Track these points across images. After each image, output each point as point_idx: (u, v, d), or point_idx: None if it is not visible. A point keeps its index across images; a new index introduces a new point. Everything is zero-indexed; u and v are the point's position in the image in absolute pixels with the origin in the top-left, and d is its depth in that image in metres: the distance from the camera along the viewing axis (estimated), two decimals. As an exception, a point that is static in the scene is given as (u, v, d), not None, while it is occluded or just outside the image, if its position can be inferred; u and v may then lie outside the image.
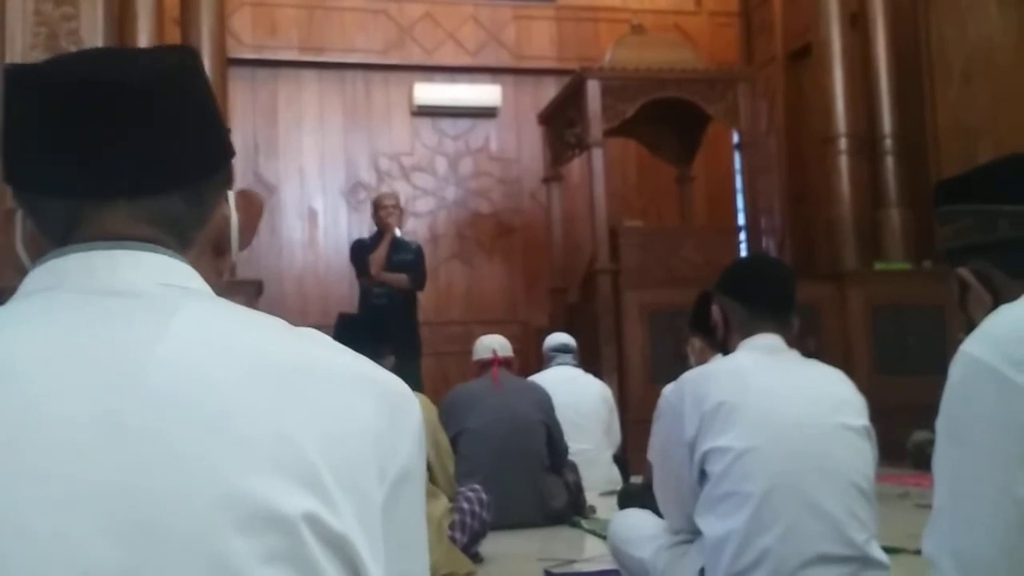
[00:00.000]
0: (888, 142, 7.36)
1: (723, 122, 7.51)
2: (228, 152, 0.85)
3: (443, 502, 3.37)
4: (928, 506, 1.25)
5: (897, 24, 7.44)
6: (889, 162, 7.37)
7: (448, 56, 8.88)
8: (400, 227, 6.51)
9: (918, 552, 1.29)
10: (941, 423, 1.22)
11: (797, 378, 2.15)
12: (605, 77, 7.12)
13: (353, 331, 3.35)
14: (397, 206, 6.49)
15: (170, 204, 0.79)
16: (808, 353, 2.29)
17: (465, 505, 3.54)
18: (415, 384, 4.17)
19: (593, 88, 7.07)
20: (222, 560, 0.63)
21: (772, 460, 2.02)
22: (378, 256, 6.21)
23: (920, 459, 5.40)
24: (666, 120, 7.88)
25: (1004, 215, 1.35)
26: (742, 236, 7.78)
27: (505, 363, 4.69)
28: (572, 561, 3.49)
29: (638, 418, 5.67)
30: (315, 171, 8.60)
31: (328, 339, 0.77)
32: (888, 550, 2.19)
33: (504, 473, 4.17)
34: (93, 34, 5.69)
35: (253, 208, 0.89)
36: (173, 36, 6.67)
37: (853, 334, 6.90)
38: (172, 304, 0.73)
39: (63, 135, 0.75)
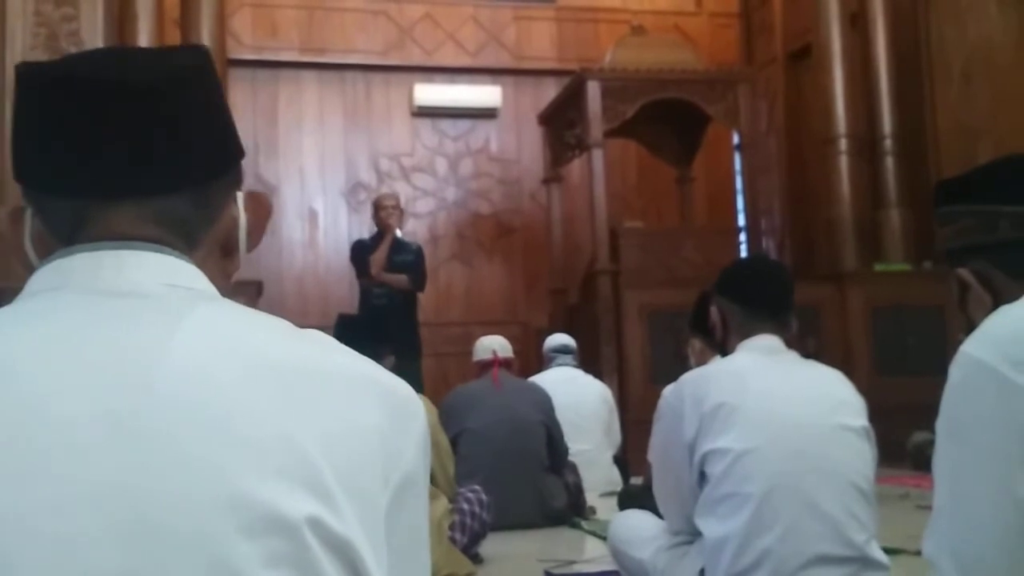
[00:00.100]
0: (888, 142, 7.36)
1: (723, 123, 7.51)
2: (238, 153, 0.84)
3: (443, 503, 3.37)
4: (928, 507, 1.25)
5: (897, 24, 7.44)
6: (889, 163, 7.36)
7: (448, 57, 8.88)
8: (400, 228, 6.50)
9: (918, 553, 1.29)
10: (941, 424, 1.22)
11: (796, 379, 2.15)
12: (605, 78, 7.12)
13: (353, 332, 3.35)
14: (397, 207, 6.49)
15: (177, 205, 0.78)
16: (808, 354, 2.29)
17: (465, 506, 3.54)
18: (415, 385, 4.15)
19: (593, 89, 7.07)
20: (224, 562, 0.62)
21: (772, 461, 2.02)
22: (378, 257, 6.21)
23: (920, 460, 5.40)
24: (666, 121, 7.88)
25: (1004, 215, 1.35)
26: (742, 237, 7.78)
27: (505, 364, 4.68)
28: (572, 562, 3.49)
29: (638, 419, 5.66)
30: (315, 172, 8.60)
31: (333, 341, 0.77)
32: (888, 551, 2.19)
33: (504, 474, 4.16)
34: (93, 35, 5.69)
35: (262, 209, 0.88)
36: (173, 37, 6.67)
37: (853, 335, 6.89)
38: (178, 306, 0.73)
39: (70, 134, 0.75)
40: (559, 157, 7.96)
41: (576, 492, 4.52)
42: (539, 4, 9.15)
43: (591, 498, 4.62)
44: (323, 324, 2.76)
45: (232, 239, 0.85)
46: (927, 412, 1.43)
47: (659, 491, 2.32)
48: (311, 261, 8.49)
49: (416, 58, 8.81)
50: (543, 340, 5.91)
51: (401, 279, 6.26)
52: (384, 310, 6.10)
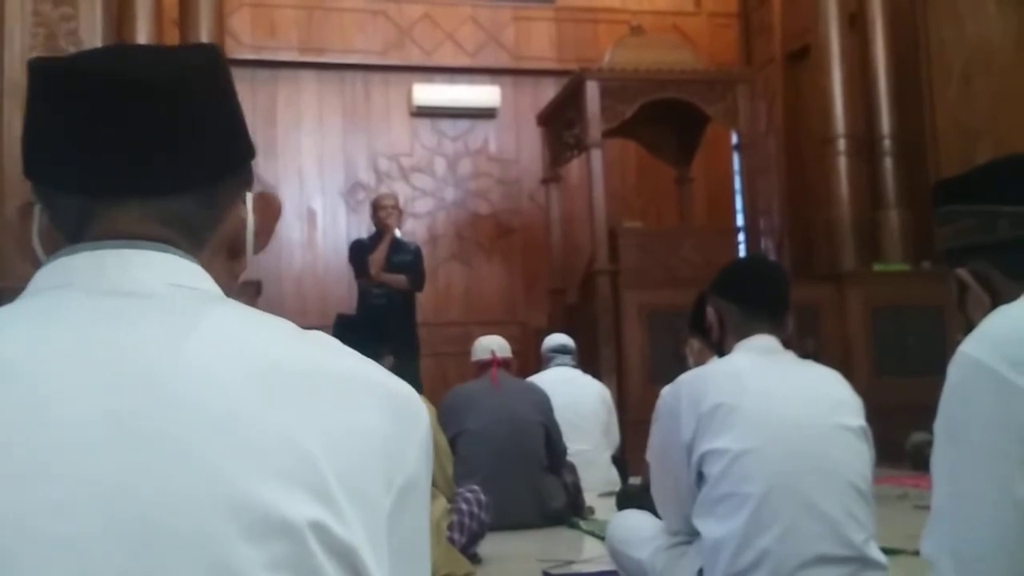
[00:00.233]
0: (887, 143, 7.36)
1: (722, 123, 7.52)
2: (247, 154, 0.84)
3: (441, 503, 3.37)
4: (927, 507, 1.24)
5: (896, 25, 7.44)
6: (888, 163, 7.37)
7: (447, 57, 8.88)
8: (399, 228, 6.50)
9: (917, 553, 1.29)
10: (940, 424, 1.22)
11: (794, 379, 2.15)
12: (604, 78, 7.12)
13: (352, 332, 3.35)
14: (396, 207, 6.49)
15: (183, 205, 0.78)
16: (807, 354, 2.29)
17: (464, 506, 3.54)
18: (413, 385, 4.13)
19: (592, 89, 7.07)
20: (226, 565, 0.62)
21: (770, 461, 2.02)
22: (377, 257, 6.21)
23: (919, 460, 5.39)
24: (665, 121, 7.88)
25: (1004, 215, 1.34)
26: (741, 237, 7.79)
27: (504, 364, 4.68)
28: (570, 562, 3.49)
29: (637, 419, 5.66)
30: (314, 172, 8.60)
31: (337, 343, 0.76)
32: (887, 551, 2.19)
33: (502, 474, 4.16)
34: (92, 35, 5.69)
35: (271, 211, 0.87)
36: (172, 37, 6.67)
37: (852, 335, 6.90)
38: (186, 306, 0.73)
39: (78, 131, 0.75)
40: (558, 157, 7.96)
41: (575, 492, 4.51)
42: (538, 4, 9.15)
43: (590, 498, 4.62)
44: (322, 324, 2.75)
45: (239, 240, 0.84)
46: (926, 412, 1.43)
47: (657, 491, 2.32)
48: (310, 261, 8.49)
49: (415, 58, 8.81)
50: (542, 340, 5.91)
51: (400, 279, 6.26)
52: (383, 310, 6.09)
